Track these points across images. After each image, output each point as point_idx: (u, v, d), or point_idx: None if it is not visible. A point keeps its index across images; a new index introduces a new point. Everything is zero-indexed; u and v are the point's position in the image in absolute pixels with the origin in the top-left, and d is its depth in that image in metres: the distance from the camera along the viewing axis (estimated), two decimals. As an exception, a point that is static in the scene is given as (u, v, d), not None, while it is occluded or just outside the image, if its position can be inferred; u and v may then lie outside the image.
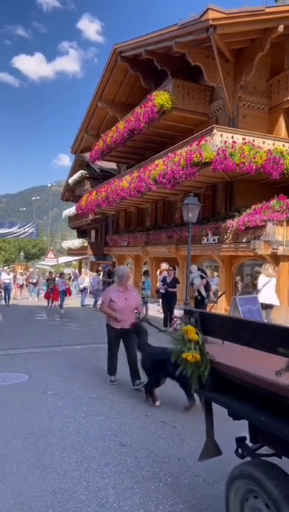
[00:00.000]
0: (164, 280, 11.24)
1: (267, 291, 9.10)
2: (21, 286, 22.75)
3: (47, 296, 17.05)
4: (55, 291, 15.74)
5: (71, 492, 3.06)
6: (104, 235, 27.87)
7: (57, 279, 16.21)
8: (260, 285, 9.40)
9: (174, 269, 11.49)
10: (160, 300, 14.17)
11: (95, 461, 3.56)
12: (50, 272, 19.59)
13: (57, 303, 16.13)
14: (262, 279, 9.42)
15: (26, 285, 24.02)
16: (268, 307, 8.90)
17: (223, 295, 12.50)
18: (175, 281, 11.03)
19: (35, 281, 21.86)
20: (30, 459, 3.57)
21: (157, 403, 4.98)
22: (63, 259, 36.82)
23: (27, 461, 3.55)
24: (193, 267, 10.95)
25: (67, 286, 16.05)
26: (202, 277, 10.82)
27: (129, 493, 3.07)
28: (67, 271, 32.68)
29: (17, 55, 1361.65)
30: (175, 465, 3.51)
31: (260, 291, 9.22)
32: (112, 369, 5.92)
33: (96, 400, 5.15)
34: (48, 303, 16.64)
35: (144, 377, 5.45)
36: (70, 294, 17.07)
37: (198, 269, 11.10)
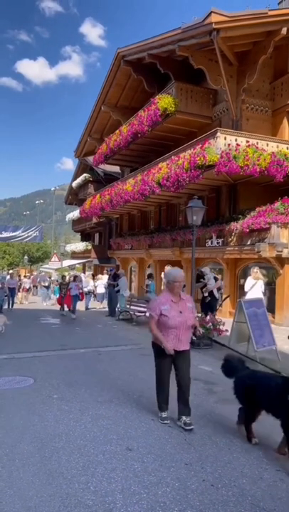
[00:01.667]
0: None
1: (254, 292, 9.86)
2: (28, 290, 22.41)
3: (60, 302, 16.19)
4: (68, 296, 14.81)
5: (78, 497, 3.04)
6: (107, 238, 27.89)
7: (71, 283, 15.20)
8: (247, 287, 10.16)
9: None
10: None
11: (101, 465, 3.54)
12: (63, 276, 18.63)
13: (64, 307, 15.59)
14: (249, 282, 10.27)
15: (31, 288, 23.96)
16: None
17: (228, 298, 12.45)
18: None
19: (47, 284, 21.29)
20: (37, 464, 3.56)
21: (254, 441, 4.02)
22: (67, 262, 36.85)
23: (34, 465, 3.54)
24: (206, 269, 10.99)
25: (80, 291, 15.14)
26: (215, 279, 10.88)
27: (136, 498, 3.04)
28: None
29: (20, 60, 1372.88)
30: (182, 470, 3.48)
31: (247, 292, 10.01)
32: (163, 402, 4.62)
33: (102, 404, 5.13)
34: (61, 308, 15.83)
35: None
36: (83, 299, 16.15)
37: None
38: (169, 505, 2.96)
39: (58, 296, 17.28)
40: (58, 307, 16.99)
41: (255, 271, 10.56)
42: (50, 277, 23.21)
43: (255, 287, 10.06)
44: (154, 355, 4.63)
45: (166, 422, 4.48)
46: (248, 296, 9.77)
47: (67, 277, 17.73)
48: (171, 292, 4.53)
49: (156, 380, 4.67)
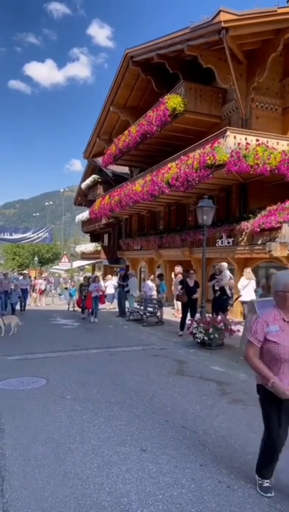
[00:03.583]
0: (182, 283, 11.13)
1: (247, 291, 10.93)
2: (43, 291, 21.65)
3: (80, 304, 15.45)
4: (89, 298, 13.88)
5: (94, 498, 3.03)
6: (117, 238, 27.93)
7: (91, 284, 14.09)
8: (241, 287, 11.15)
9: (194, 272, 11.27)
10: (177, 303, 14.10)
11: (116, 466, 3.53)
12: (85, 277, 17.76)
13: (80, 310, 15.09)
14: (242, 281, 11.21)
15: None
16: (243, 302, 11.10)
17: (239, 298, 12.38)
18: (196, 286, 10.91)
19: (68, 286, 20.25)
20: (52, 464, 3.57)
21: None
22: (77, 263, 36.98)
23: (48, 466, 3.54)
24: (224, 264, 11.03)
25: (100, 293, 14.09)
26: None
27: (152, 499, 3.03)
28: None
29: (28, 63, 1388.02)
30: (197, 471, 3.46)
31: (241, 290, 11.04)
32: (266, 467, 3.19)
33: (115, 405, 5.12)
34: (83, 312, 14.96)
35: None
36: (103, 302, 15.19)
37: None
38: (185, 506, 2.94)
39: (74, 297, 16.74)
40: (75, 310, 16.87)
41: (248, 271, 11.46)
42: (70, 279, 22.59)
43: (248, 287, 11.00)
44: (262, 402, 3.16)
45: (269, 494, 3.10)
46: (242, 295, 10.87)
47: (87, 278, 16.96)
48: (282, 307, 3.09)
49: (266, 440, 3.17)
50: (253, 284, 11.24)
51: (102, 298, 14.47)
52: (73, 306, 17.52)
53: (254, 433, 4.29)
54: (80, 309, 15.43)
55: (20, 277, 19.31)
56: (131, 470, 3.46)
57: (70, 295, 18.09)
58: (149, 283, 15.40)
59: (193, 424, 4.50)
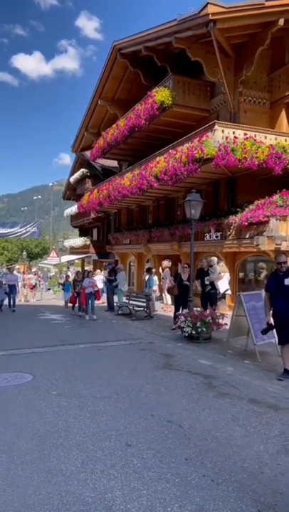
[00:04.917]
0: (176, 277, 11.11)
1: (223, 283, 11.85)
2: (34, 287, 21.34)
3: (73, 300, 14.98)
4: (83, 295, 13.35)
5: (77, 494, 3.01)
6: (106, 233, 27.80)
7: (85, 279, 13.57)
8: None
9: (188, 266, 11.24)
10: (166, 297, 14.09)
11: (101, 462, 3.51)
12: (78, 272, 17.21)
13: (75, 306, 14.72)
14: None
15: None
16: (224, 295, 12.08)
17: (228, 291, 12.44)
18: (190, 279, 10.90)
19: (62, 281, 19.63)
20: (36, 461, 3.53)
21: None
22: (66, 257, 36.76)
23: (32, 462, 3.50)
24: (214, 259, 11.10)
25: (96, 289, 13.61)
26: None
27: (136, 494, 3.01)
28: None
29: (16, 54, 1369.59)
30: (182, 465, 3.45)
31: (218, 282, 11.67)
32: None
33: (101, 400, 5.10)
34: (74, 308, 14.71)
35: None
36: (99, 299, 14.98)
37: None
38: (169, 501, 2.93)
39: (69, 293, 16.20)
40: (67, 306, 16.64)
41: (221, 264, 12.43)
42: (65, 274, 21.99)
43: (224, 278, 12.16)
44: None
45: None
46: (219, 286, 11.55)
47: (80, 272, 16.42)
48: None
49: None
50: (227, 275, 12.49)
51: (97, 294, 14.04)
52: (66, 302, 17.39)
53: (239, 426, 4.32)
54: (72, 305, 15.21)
55: (8, 274, 18.97)
56: (115, 465, 3.45)
57: (66, 290, 17.31)
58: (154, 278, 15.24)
59: (179, 418, 4.50)
